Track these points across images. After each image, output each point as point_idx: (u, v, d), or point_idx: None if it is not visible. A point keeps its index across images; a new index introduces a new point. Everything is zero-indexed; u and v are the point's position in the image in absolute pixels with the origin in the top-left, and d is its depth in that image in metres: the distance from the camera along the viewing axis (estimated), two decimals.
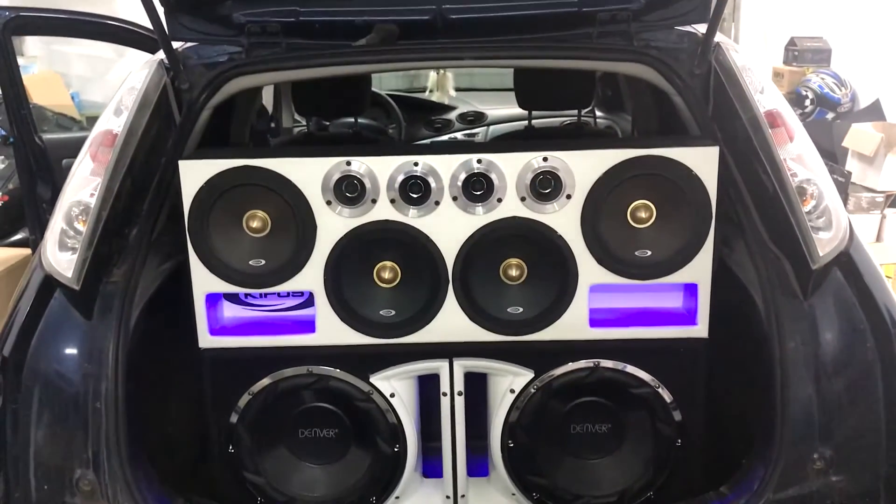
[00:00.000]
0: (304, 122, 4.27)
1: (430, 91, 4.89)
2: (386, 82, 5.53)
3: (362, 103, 3.35)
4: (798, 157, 1.94)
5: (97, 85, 7.36)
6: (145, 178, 2.02)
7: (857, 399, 1.85)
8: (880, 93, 5.98)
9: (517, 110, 3.94)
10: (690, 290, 1.99)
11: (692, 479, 2.09)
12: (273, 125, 4.05)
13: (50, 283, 1.87)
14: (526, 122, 3.42)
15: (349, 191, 1.90)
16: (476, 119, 4.67)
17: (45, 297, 1.88)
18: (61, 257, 1.88)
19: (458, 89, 4.90)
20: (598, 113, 4.17)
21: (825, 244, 1.84)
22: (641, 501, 2.09)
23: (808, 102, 6.18)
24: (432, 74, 4.84)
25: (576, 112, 3.44)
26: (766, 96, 2.01)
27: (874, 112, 5.92)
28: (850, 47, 6.31)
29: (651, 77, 2.12)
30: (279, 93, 4.04)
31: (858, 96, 6.20)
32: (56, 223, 1.93)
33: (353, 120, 3.49)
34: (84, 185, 1.96)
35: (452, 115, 4.82)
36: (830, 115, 6.08)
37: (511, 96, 3.53)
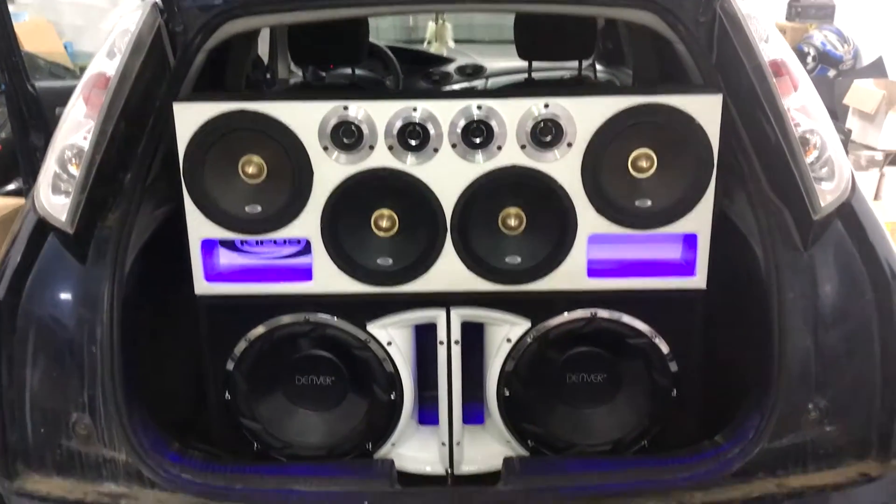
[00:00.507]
0: (300, 73, 4.22)
1: (429, 42, 4.82)
2: (383, 34, 5.46)
3: (360, 52, 3.29)
4: (802, 107, 1.92)
5: (90, 34, 7.23)
6: (139, 121, 1.99)
7: (853, 351, 1.85)
8: (883, 50, 5.92)
9: (516, 63, 3.88)
10: (689, 240, 1.98)
11: (687, 430, 2.10)
12: (269, 76, 4.00)
13: (43, 227, 1.86)
14: (525, 75, 3.37)
15: (346, 136, 1.88)
16: (475, 72, 4.62)
17: (39, 241, 1.87)
18: (55, 201, 1.85)
19: (457, 41, 4.83)
20: (598, 67, 4.12)
21: (827, 195, 1.83)
22: (635, 451, 2.10)
23: (809, 59, 6.13)
24: (431, 25, 4.76)
25: (576, 65, 3.39)
26: (771, 45, 1.98)
27: (876, 69, 5.87)
28: (854, 4, 6.23)
29: (654, 24, 2.08)
30: (275, 43, 3.99)
31: (861, 53, 6.14)
32: (49, 166, 1.91)
33: (350, 71, 3.43)
34: (77, 128, 1.93)
35: (451, 68, 4.76)
36: (832, 73, 6.04)
37: (511, 49, 3.48)
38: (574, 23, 2.97)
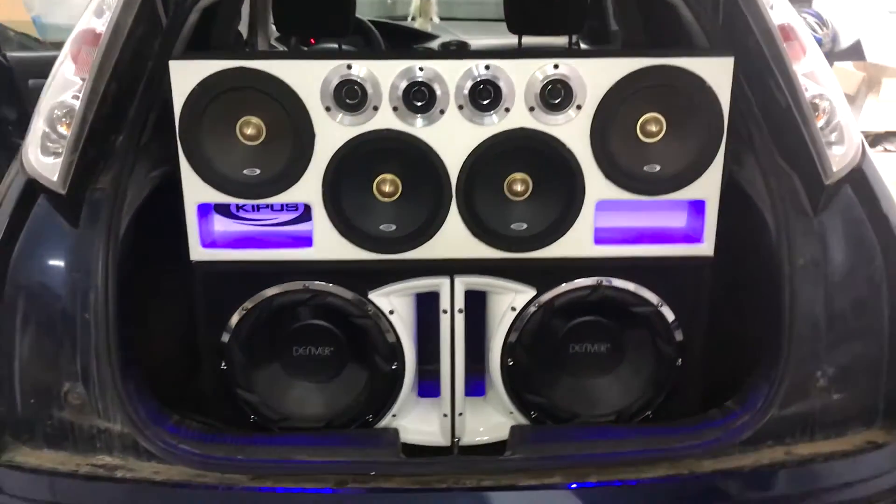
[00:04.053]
0: (280, 48, 4.14)
1: (413, 18, 4.76)
2: (361, 10, 5.39)
3: (346, 21, 3.23)
4: (811, 72, 1.90)
5: (59, 8, 7.04)
6: (131, 81, 1.91)
7: (862, 317, 1.84)
8: (861, 33, 5.96)
9: (501, 41, 3.82)
10: (697, 207, 1.95)
11: (691, 400, 2.08)
12: (248, 50, 3.92)
13: (33, 189, 1.78)
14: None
15: (349, 97, 1.82)
16: (459, 49, 4.57)
17: (28, 204, 1.79)
18: (45, 161, 1.78)
19: (442, 18, 4.78)
20: (582, 45, 4.09)
21: (838, 160, 1.81)
22: (639, 420, 2.08)
23: None
24: (414, 0, 4.72)
25: (559, 43, 3.36)
26: (777, 10, 1.95)
27: (854, 52, 5.92)
28: None
29: None
30: (255, 18, 3.90)
31: (839, 36, 6.18)
32: (37, 126, 1.83)
33: (334, 46, 3.36)
34: (66, 87, 1.85)
35: (434, 45, 4.72)
36: None
37: (494, 27, 3.43)
38: None
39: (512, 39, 3.29)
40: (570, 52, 1.84)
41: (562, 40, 3.53)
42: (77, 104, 1.79)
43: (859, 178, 1.85)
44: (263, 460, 1.79)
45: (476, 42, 4.64)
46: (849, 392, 1.85)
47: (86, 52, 1.84)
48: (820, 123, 1.84)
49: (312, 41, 4.18)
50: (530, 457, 1.81)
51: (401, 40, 4.70)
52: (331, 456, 1.80)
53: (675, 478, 1.78)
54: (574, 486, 1.76)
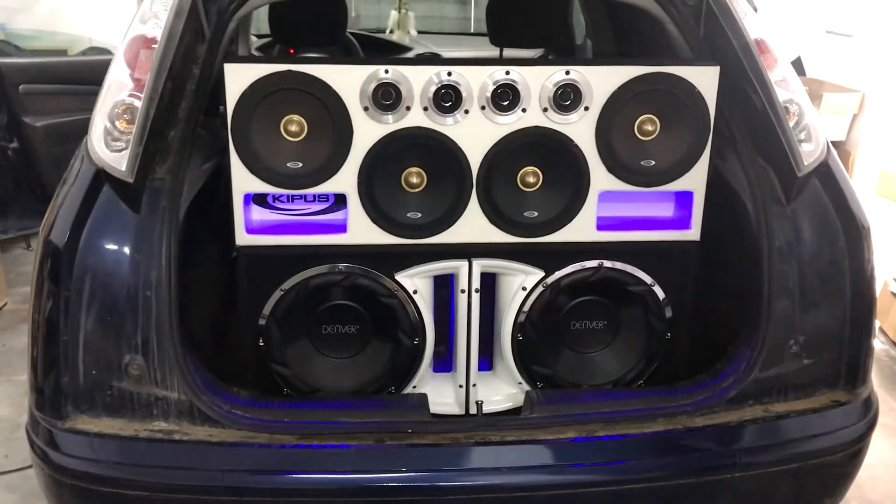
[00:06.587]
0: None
1: (391, 31, 4.99)
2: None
3: (339, 32, 3.46)
4: (782, 80, 2.19)
5: (24, 15, 7.09)
6: (181, 83, 2.10)
7: (828, 292, 2.12)
8: (801, 50, 6.37)
9: (476, 53, 4.07)
10: (686, 197, 2.22)
11: (676, 368, 2.35)
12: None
13: (100, 178, 1.95)
14: None
15: (385, 98, 2.04)
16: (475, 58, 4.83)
17: (95, 191, 1.96)
18: (110, 153, 1.95)
19: (420, 32, 5.02)
20: (549, 57, 4.38)
21: (808, 156, 2.10)
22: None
23: None
24: (393, 13, 4.94)
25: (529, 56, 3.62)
26: (753, 24, 2.24)
27: (795, 68, 6.30)
28: (773, 3, 6.68)
29: (649, 6, 2.33)
30: (237, 32, 4.11)
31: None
32: (99, 121, 2.00)
33: (316, 55, 3.58)
34: (121, 87, 2.03)
35: (409, 56, 4.94)
36: None
37: (471, 41, 3.69)
38: (546, 9, 3.22)
39: (479, 52, 3.56)
40: (579, 60, 2.09)
41: (527, 52, 3.79)
42: (135, 102, 1.98)
43: (825, 172, 2.13)
44: (309, 422, 1.99)
45: (447, 54, 4.89)
46: (816, 357, 2.13)
47: (145, 55, 2.03)
48: (791, 124, 2.13)
49: (291, 51, 4.39)
50: (546, 415, 2.04)
51: (375, 52, 4.92)
52: (370, 417, 2.01)
53: (671, 431, 2.03)
54: (585, 439, 2.00)
